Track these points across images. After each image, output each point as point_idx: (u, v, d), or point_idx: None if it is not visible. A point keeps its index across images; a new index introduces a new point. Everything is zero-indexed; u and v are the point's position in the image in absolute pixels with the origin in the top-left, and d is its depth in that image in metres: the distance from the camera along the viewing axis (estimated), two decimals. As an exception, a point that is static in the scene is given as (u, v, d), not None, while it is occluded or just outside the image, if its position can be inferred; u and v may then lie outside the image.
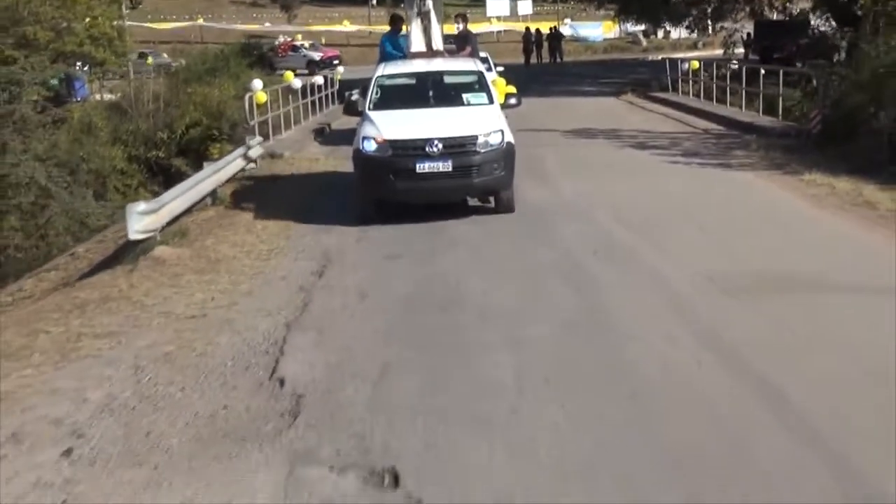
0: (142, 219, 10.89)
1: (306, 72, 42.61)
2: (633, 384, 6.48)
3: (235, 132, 26.37)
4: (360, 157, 12.33)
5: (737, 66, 23.82)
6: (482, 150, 12.07)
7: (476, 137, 12.10)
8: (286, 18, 77.81)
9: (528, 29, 55.49)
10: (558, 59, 51.36)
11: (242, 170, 16.53)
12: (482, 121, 12.44)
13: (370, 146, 12.18)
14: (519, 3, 73.65)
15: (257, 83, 22.43)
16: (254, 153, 17.07)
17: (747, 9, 38.69)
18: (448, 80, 13.80)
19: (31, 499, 5.39)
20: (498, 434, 5.79)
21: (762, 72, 21.52)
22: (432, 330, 7.91)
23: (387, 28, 16.32)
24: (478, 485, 5.19)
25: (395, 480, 5.29)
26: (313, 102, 26.94)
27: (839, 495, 4.88)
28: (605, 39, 66.33)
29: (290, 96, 25.30)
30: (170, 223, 11.95)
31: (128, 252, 11.35)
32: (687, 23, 38.61)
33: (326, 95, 29.01)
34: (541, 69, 46.40)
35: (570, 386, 6.53)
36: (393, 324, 8.16)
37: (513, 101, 13.92)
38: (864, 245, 10.17)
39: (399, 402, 6.39)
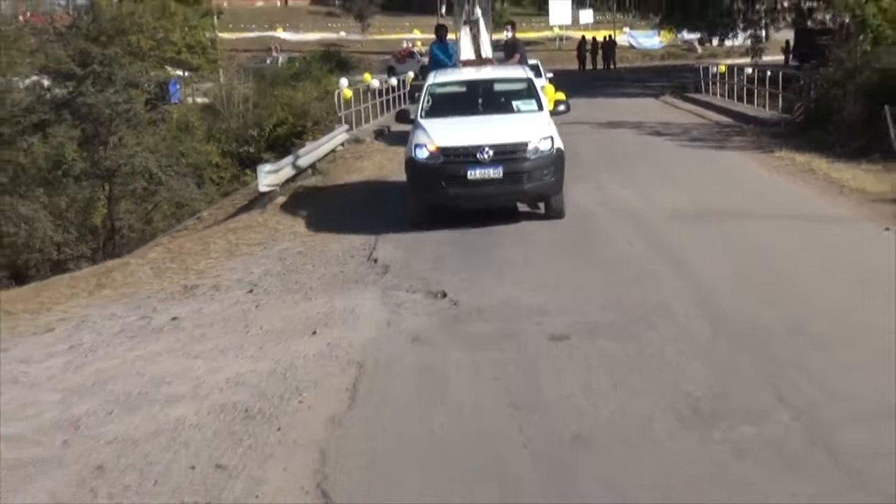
0: (268, 176, 15.21)
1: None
2: (599, 260, 10.54)
3: (318, 129, 30.44)
4: (412, 164, 12.63)
5: (750, 71, 27.65)
6: (532, 157, 12.32)
7: (526, 144, 12.36)
8: (360, 28, 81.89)
9: (583, 37, 59.26)
10: (612, 66, 54.97)
11: (333, 150, 20.80)
12: (532, 127, 12.69)
13: (422, 153, 12.48)
14: (580, 12, 77.60)
15: (344, 81, 26.76)
16: (341, 139, 21.38)
17: (789, 18, 42.25)
18: (498, 87, 14.14)
19: (235, 310, 9.55)
20: (508, 278, 9.88)
21: (769, 73, 25.33)
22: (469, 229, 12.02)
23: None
24: (491, 297, 9.26)
25: (444, 295, 9.39)
26: (388, 101, 31.08)
27: (701, 304, 8.77)
28: (662, 47, 69.91)
29: (369, 94, 29.46)
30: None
31: (257, 202, 15.69)
32: (735, 30, 42.02)
33: (398, 96, 33.18)
34: (594, 75, 50.32)
35: (560, 260, 10.62)
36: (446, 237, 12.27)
37: (561, 107, 14.09)
38: (788, 192, 14.14)
39: (446, 269, 10.51)
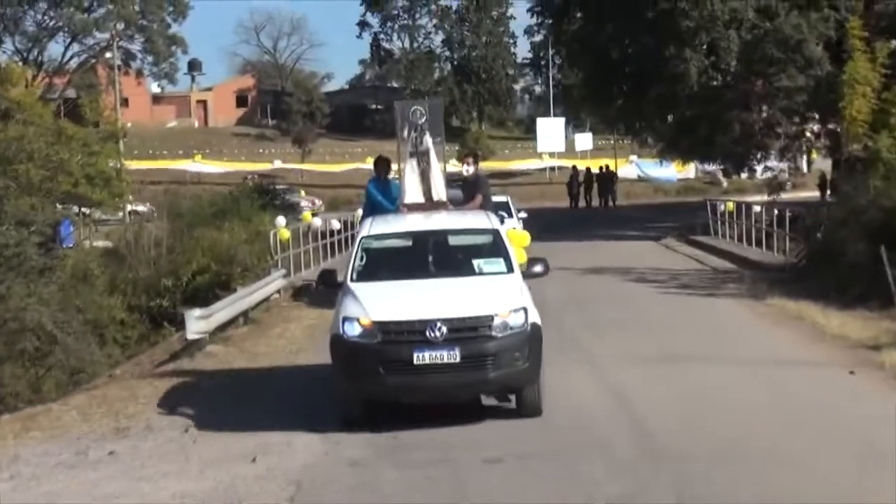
0: (197, 322, 18.33)
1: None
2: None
3: (247, 277, 33.32)
4: (340, 343, 12.45)
5: (759, 209, 31.40)
6: (499, 335, 12.17)
7: (491, 318, 12.21)
8: (299, 154, 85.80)
9: (574, 168, 63.68)
10: (610, 203, 58.96)
11: (267, 299, 23.99)
12: (499, 296, 12.58)
13: (353, 330, 12.31)
14: (577, 136, 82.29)
15: (281, 220, 30.17)
16: (277, 286, 24.62)
17: (821, 144, 46.25)
18: (454, 240, 14.14)
19: (172, 445, 12.46)
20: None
21: (775, 213, 29.01)
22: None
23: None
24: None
25: None
26: (333, 243, 34.39)
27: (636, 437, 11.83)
28: (679, 180, 74.38)
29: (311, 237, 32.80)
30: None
31: (183, 352, 18.77)
32: (753, 161, 45.95)
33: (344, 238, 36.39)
34: (588, 213, 54.39)
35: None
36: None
37: (538, 268, 13.80)
38: (765, 339, 17.42)
39: None
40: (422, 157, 15.08)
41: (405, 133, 15.25)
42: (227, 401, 14.88)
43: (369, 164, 73.38)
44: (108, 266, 38.30)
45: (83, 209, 46.18)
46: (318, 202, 55.10)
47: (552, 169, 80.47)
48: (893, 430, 11.41)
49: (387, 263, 13.71)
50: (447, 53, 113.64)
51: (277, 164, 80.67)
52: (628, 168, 77.18)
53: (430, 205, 14.88)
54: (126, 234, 43.29)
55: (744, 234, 32.58)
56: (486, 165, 72.79)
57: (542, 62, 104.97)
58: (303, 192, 57.53)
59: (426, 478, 10.36)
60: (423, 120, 15.22)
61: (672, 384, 14.29)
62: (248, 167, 78.22)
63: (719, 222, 36.27)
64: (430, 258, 13.69)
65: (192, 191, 68.83)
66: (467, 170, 16.28)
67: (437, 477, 10.40)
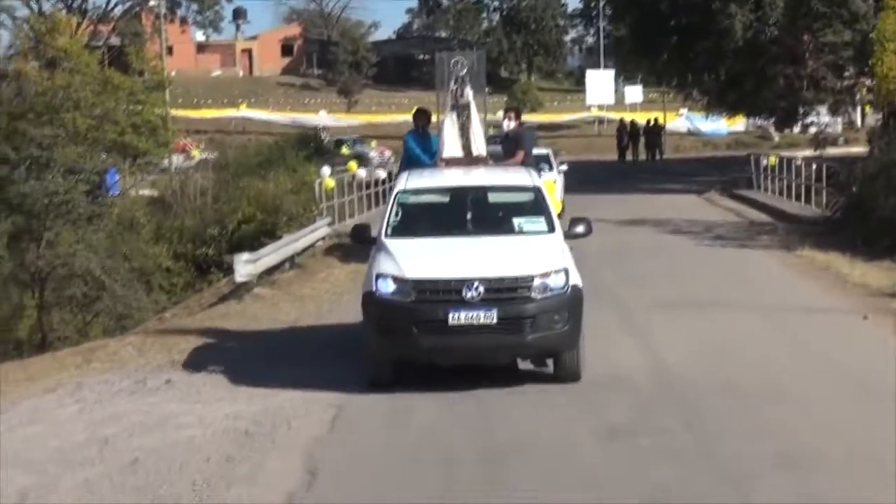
0: (245, 266, 19.76)
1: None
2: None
3: (292, 226, 34.59)
4: (372, 301, 12.40)
5: (799, 163, 32.52)
6: (538, 297, 12.12)
7: (531, 279, 12.14)
8: (345, 105, 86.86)
9: (622, 121, 64.50)
10: (657, 156, 59.96)
11: (312, 246, 25.38)
12: (539, 256, 12.50)
13: (386, 287, 12.26)
14: (627, 89, 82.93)
15: (326, 170, 31.55)
16: (322, 233, 26.02)
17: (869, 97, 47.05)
18: (493, 197, 14.03)
19: (224, 375, 13.85)
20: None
21: (814, 167, 30.13)
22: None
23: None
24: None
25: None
26: (377, 193, 35.77)
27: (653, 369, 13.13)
28: (729, 133, 75.03)
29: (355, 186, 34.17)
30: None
31: (231, 296, 20.22)
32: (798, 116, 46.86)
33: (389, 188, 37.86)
34: (633, 167, 55.51)
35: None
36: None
37: (580, 228, 13.54)
38: (789, 288, 18.66)
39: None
40: (462, 110, 14.90)
41: (450, 85, 15.14)
42: (275, 339, 16.28)
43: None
44: (153, 215, 39.57)
45: (135, 158, 47.48)
46: (387, 153, 56.39)
47: (600, 122, 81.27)
48: (893, 372, 12.69)
49: (423, 219, 13.59)
50: (496, 3, 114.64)
51: (322, 114, 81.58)
52: (678, 121, 77.75)
53: (469, 160, 14.76)
54: (172, 183, 44.71)
55: (785, 189, 33.68)
56: (534, 117, 74.05)
57: (593, 13, 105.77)
58: (373, 143, 58.84)
59: (454, 409, 11.66)
60: (464, 71, 15.11)
61: (693, 328, 15.56)
62: (293, 117, 79.23)
63: (762, 177, 37.39)
64: (469, 215, 13.50)
65: (237, 140, 70.65)
66: (509, 125, 16.25)
67: (466, 408, 11.70)
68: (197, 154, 57.93)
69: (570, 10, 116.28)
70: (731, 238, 25.74)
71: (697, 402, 11.72)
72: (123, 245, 35.34)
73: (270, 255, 21.58)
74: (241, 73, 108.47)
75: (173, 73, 65.86)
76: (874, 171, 24.51)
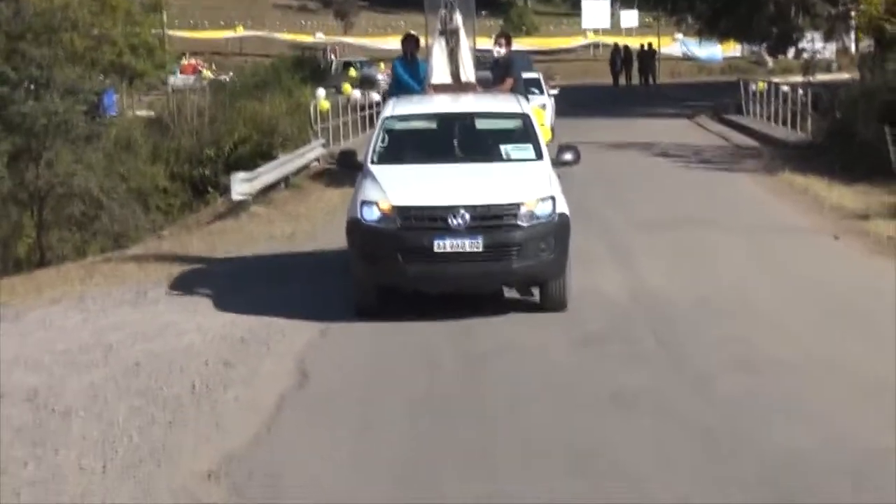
0: (242, 184, 20.40)
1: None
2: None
3: (287, 147, 35.05)
4: (357, 228, 12.44)
5: (786, 89, 33.12)
6: (525, 224, 12.13)
7: (517, 206, 12.16)
8: (341, 27, 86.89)
9: (616, 45, 64.88)
10: (650, 81, 60.38)
11: (307, 166, 26.01)
12: (527, 183, 12.52)
13: (371, 214, 12.27)
14: (622, 14, 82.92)
15: (321, 92, 32.15)
16: (316, 153, 26.64)
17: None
18: (481, 124, 14.02)
19: (224, 289, 14.54)
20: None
21: (799, 92, 30.72)
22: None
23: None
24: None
25: None
26: (371, 115, 36.30)
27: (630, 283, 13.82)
28: (725, 59, 75.25)
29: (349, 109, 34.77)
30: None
31: (228, 214, 20.88)
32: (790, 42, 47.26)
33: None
34: (628, 91, 55.99)
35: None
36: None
37: (568, 156, 13.56)
38: (767, 209, 19.33)
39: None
40: (451, 35, 14.75)
41: (434, 9, 15.08)
42: (272, 255, 16.96)
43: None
44: (151, 135, 39.94)
45: (132, 79, 47.93)
46: None
47: (596, 46, 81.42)
48: (860, 290, 13.42)
49: (410, 146, 13.60)
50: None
51: (319, 36, 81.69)
52: (674, 46, 77.91)
53: (457, 86, 14.69)
54: (169, 103, 45.05)
55: (772, 114, 34.27)
56: (529, 42, 74.21)
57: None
58: (382, 66, 59.32)
59: (439, 323, 12.31)
60: (454, -4, 14.65)
61: (671, 245, 16.24)
62: (289, 38, 79.39)
63: (751, 102, 37.97)
64: (456, 142, 13.54)
65: (234, 62, 71.01)
66: (499, 51, 15.76)
67: (451, 324, 12.31)
68: (209, 74, 58.42)
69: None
70: (717, 162, 26.43)
71: (669, 315, 12.39)
72: (121, 165, 35.87)
73: (267, 174, 22.22)
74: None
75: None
76: (856, 97, 25.09)
